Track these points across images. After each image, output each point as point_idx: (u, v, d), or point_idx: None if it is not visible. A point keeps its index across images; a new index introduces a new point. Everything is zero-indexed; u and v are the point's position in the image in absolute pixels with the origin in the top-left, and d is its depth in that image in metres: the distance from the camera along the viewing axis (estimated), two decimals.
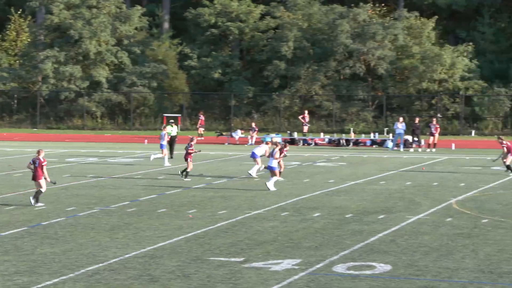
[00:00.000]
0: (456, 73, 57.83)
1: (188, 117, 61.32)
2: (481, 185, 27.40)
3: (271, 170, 26.24)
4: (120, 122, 61.81)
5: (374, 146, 46.25)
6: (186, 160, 28.92)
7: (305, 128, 51.47)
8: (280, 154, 26.71)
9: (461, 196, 24.77)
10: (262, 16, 63.72)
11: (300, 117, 53.28)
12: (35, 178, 22.35)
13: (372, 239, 17.89)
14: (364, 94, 59.99)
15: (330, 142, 47.52)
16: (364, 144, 46.58)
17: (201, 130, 53.29)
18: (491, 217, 20.91)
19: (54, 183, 23.30)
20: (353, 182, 28.29)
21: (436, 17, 61.22)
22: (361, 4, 60.87)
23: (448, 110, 57.90)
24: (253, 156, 29.66)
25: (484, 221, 20.29)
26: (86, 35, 61.43)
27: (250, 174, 29.50)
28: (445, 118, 57.33)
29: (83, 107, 61.47)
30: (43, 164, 22.24)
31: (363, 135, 49.49)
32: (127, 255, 16.14)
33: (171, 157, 36.92)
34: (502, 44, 62.85)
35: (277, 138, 49.71)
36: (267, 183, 26.08)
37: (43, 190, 22.35)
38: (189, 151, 28.89)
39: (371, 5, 62.09)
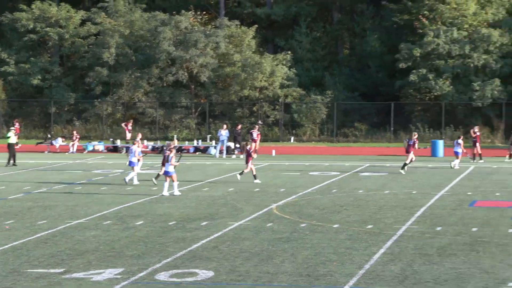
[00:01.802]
0: (276, 80, 59.34)
1: (5, 125, 59.12)
2: (299, 191, 28.27)
3: (167, 176, 26.36)
4: None
5: (197, 153, 46.61)
6: (247, 163, 29.91)
7: (128, 135, 51.04)
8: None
9: (281, 201, 25.46)
10: (83, 22, 62.58)
11: (123, 124, 52.77)
12: None
13: (195, 246, 18.02)
14: (187, 101, 60.31)
15: (154, 149, 47.41)
16: (188, 151, 46.83)
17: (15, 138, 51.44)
18: (309, 221, 21.63)
19: None
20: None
21: (256, 26, 62.61)
22: (183, 11, 61.17)
23: (269, 117, 59.32)
24: (132, 164, 29.65)
25: (302, 225, 20.95)
26: None
27: (126, 181, 29.45)
28: (266, 125, 58.72)
29: None
30: None
31: (186, 142, 49.74)
32: None
33: (15, 164, 36.54)
34: (317, 53, 65.15)
35: (100, 146, 49.06)
36: (163, 192, 26.28)
37: None
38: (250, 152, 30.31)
39: (193, 13, 62.56)
